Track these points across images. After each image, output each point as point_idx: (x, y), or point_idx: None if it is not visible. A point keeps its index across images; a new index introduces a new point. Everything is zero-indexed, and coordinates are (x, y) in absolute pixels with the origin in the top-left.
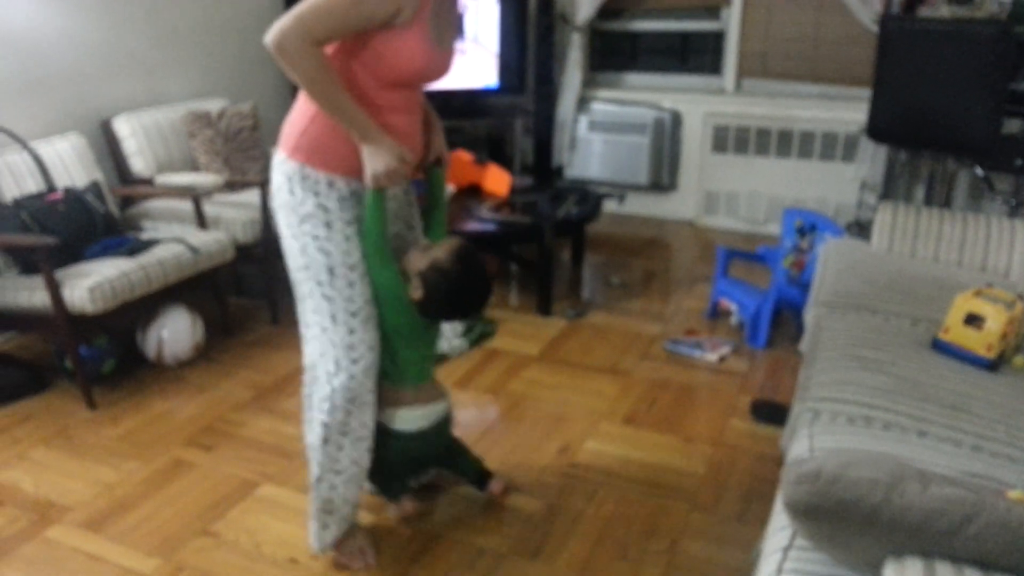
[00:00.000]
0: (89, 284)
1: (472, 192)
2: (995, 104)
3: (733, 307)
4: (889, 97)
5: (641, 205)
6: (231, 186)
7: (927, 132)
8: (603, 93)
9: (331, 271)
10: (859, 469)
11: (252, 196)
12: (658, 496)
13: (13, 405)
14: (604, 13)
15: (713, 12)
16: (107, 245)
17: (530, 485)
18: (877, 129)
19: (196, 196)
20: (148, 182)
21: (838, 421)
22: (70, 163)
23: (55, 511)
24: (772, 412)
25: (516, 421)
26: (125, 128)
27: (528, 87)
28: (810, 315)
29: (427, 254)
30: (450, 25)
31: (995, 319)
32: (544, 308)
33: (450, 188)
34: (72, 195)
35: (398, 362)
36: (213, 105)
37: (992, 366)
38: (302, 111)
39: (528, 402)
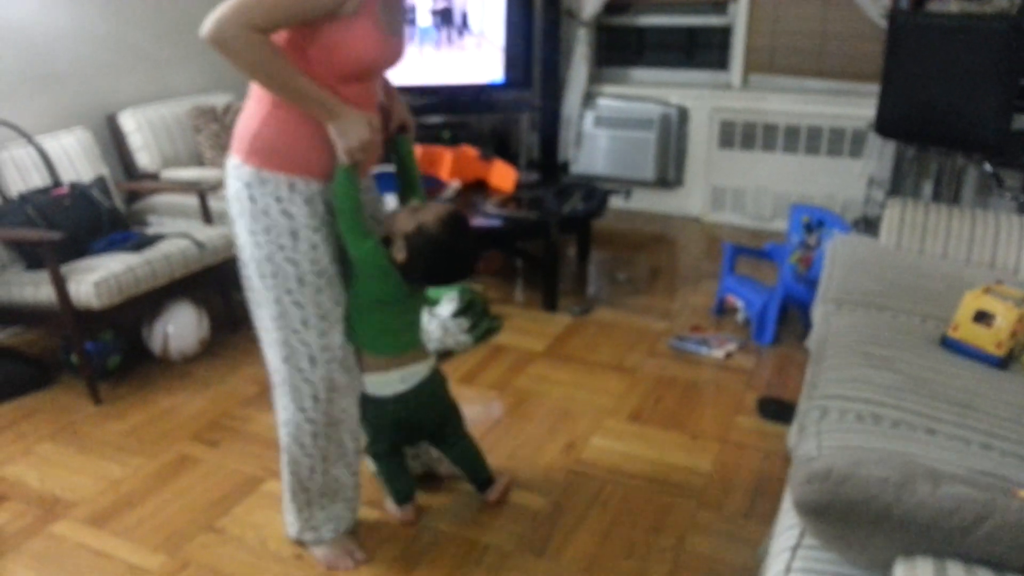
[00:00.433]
0: (95, 279)
1: (478, 187)
2: (1005, 100)
3: (740, 304)
4: (897, 92)
5: (647, 201)
6: None
7: (936, 128)
8: (609, 88)
9: (300, 280)
10: (869, 468)
11: None
12: (664, 493)
13: (19, 400)
14: (610, 8)
15: (720, 7)
16: (113, 240)
17: (536, 482)
18: (885, 125)
19: (202, 191)
20: (154, 177)
21: (846, 419)
22: (76, 158)
23: (60, 506)
24: (779, 409)
25: (521, 418)
26: (131, 123)
27: (534, 82)
28: (817, 312)
29: (414, 216)
30: (399, 11)
31: (1005, 316)
32: (550, 304)
33: (455, 183)
34: (78, 190)
35: (379, 333)
36: (219, 100)
37: (1002, 364)
38: (252, 113)
39: (533, 398)
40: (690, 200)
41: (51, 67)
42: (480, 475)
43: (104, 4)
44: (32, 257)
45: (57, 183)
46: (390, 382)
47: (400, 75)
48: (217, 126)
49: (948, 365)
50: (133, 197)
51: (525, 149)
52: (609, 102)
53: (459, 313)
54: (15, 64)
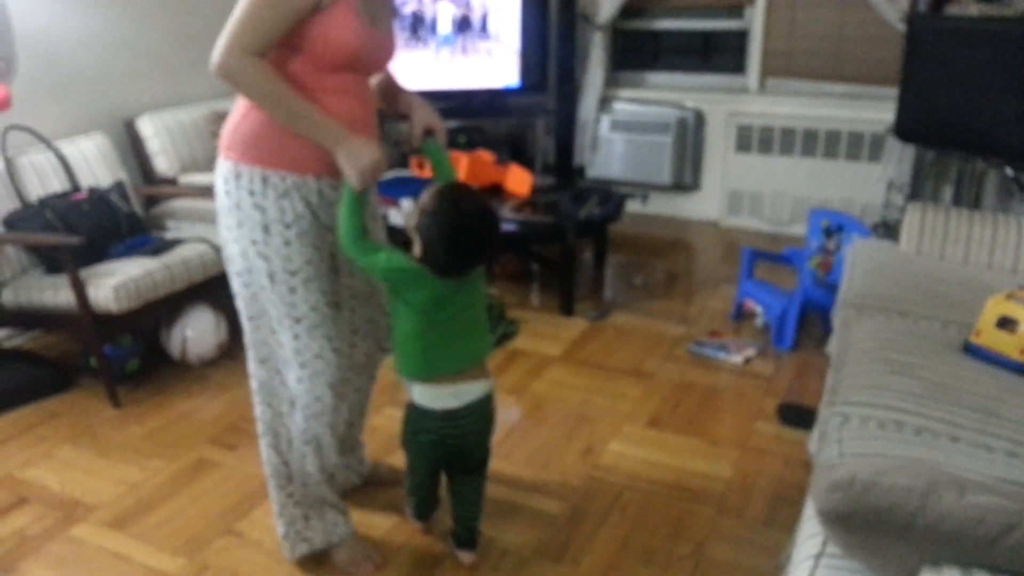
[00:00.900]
0: (114, 283)
1: (493, 192)
2: None
3: (758, 309)
4: (917, 96)
5: (664, 205)
6: None
7: (955, 132)
8: (625, 92)
9: (271, 277)
10: (893, 476)
11: None
12: (683, 500)
13: (39, 403)
14: (626, 12)
15: (736, 11)
16: (131, 244)
17: (553, 487)
18: (904, 129)
19: None
20: (172, 182)
21: (868, 425)
22: (94, 163)
23: (80, 509)
24: (799, 415)
25: (539, 422)
26: (148, 128)
27: (550, 86)
28: (837, 317)
29: (417, 205)
30: (384, 7)
31: None
32: (566, 309)
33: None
34: (96, 194)
35: (435, 354)
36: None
37: None
38: (236, 109)
39: (551, 403)
40: (707, 204)
41: (70, 74)
42: (472, 524)
43: (122, 12)
44: (52, 261)
45: (76, 188)
46: (441, 395)
47: (416, 80)
48: None
49: (971, 371)
50: (151, 202)
51: (541, 153)
52: (625, 106)
53: None
54: (34, 71)
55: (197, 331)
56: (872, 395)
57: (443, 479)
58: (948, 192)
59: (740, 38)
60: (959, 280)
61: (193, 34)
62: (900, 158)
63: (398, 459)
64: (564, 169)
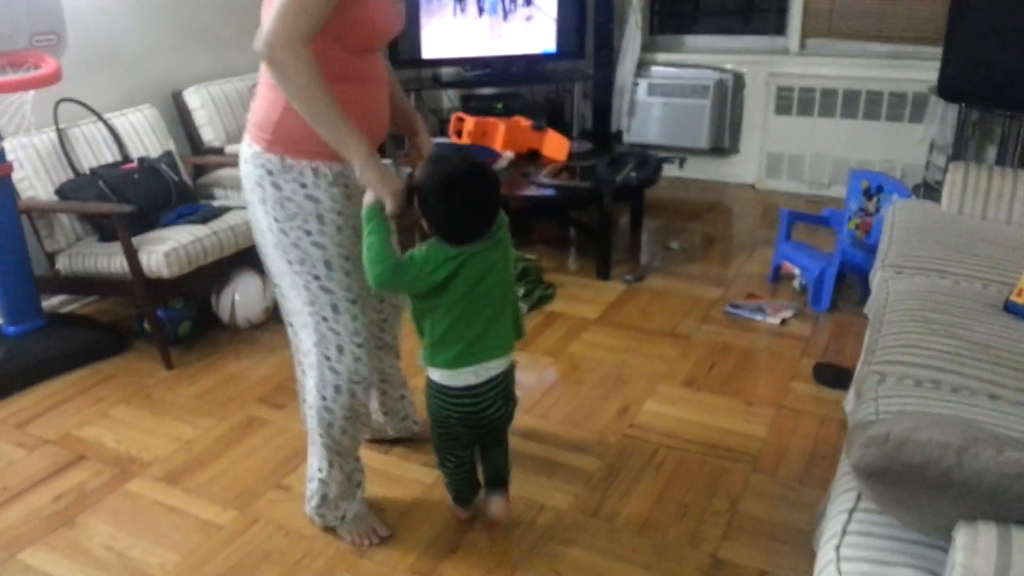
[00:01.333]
0: (165, 250)
1: (531, 158)
2: None
3: (796, 271)
4: (962, 54)
5: (701, 169)
6: None
7: (1001, 89)
8: (663, 56)
9: (328, 264)
10: (929, 432)
11: None
12: (719, 457)
13: (95, 366)
14: None
15: None
16: (181, 212)
17: (590, 445)
18: (948, 87)
19: None
20: (219, 151)
21: (905, 384)
22: (143, 133)
23: (136, 466)
24: (835, 375)
25: (576, 383)
26: (195, 100)
27: (587, 52)
28: (876, 277)
29: (413, 184)
30: None
31: None
32: (603, 273)
33: (509, 154)
34: (147, 164)
35: (469, 339)
36: None
37: None
38: (271, 102)
39: (587, 364)
40: (745, 168)
41: (119, 47)
42: (500, 473)
43: None
44: (105, 229)
45: (127, 158)
46: (461, 375)
47: (454, 47)
48: None
49: (1011, 331)
50: (199, 171)
51: (578, 119)
52: (663, 70)
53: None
54: (84, 45)
55: (245, 295)
56: (909, 354)
57: None
58: (992, 152)
59: None
60: (1001, 240)
61: (238, 7)
62: (943, 118)
63: None
64: (601, 134)
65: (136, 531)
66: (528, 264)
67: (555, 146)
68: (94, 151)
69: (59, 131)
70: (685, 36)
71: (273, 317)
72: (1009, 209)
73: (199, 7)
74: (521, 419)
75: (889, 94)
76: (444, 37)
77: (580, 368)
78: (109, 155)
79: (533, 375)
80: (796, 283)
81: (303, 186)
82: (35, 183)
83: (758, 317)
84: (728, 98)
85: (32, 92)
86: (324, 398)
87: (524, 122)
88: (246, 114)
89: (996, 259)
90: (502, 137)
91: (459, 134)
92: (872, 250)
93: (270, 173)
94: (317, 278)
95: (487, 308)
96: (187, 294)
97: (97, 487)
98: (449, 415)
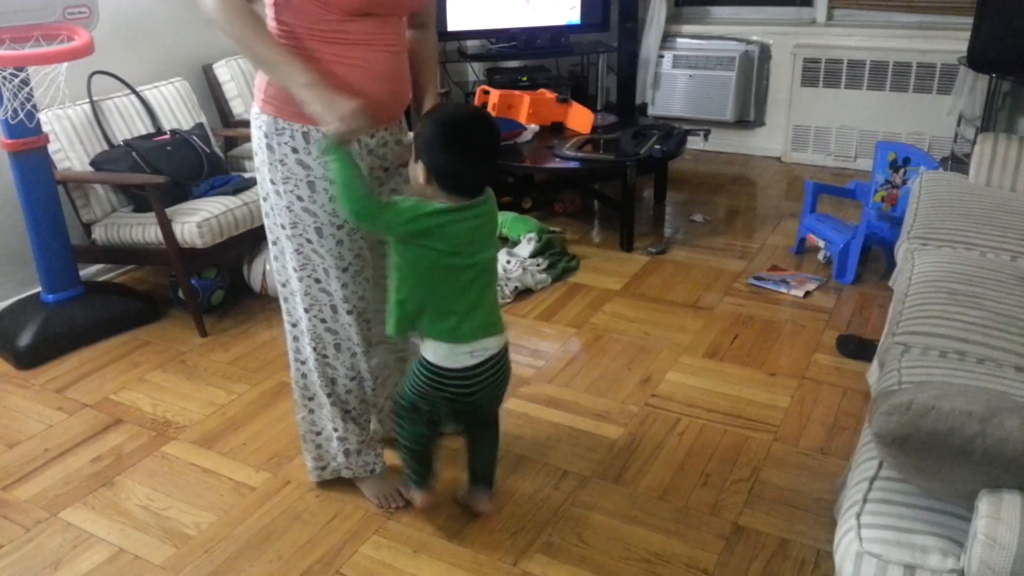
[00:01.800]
0: (198, 220)
1: (555, 130)
2: None
3: (820, 243)
4: (993, 23)
5: (727, 142)
6: None
7: None
8: (688, 28)
9: (319, 231)
10: (953, 400)
11: None
12: (740, 427)
13: (132, 333)
14: None
15: None
16: (212, 184)
17: (613, 414)
18: (978, 58)
19: None
20: (248, 124)
21: (929, 355)
22: (175, 106)
23: (172, 429)
24: (859, 347)
25: (599, 353)
26: (225, 73)
27: (612, 23)
28: (901, 249)
29: (409, 147)
30: None
31: None
32: (626, 245)
33: (533, 126)
34: (179, 136)
35: (458, 314)
36: None
37: None
38: None
39: (610, 335)
40: (771, 140)
41: (149, 22)
42: (487, 471)
43: None
44: (139, 200)
45: (159, 130)
46: (458, 355)
47: (479, 19)
48: None
49: None
50: (230, 143)
51: (603, 91)
52: (688, 41)
53: (537, 253)
54: (116, 19)
55: None
56: (935, 325)
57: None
58: (1022, 125)
59: None
60: None
61: None
62: (972, 89)
63: None
64: (626, 107)
65: (172, 492)
66: (552, 236)
67: (579, 119)
68: (127, 123)
69: (93, 103)
70: (710, 7)
71: None
72: None
73: None
74: (544, 388)
75: (917, 65)
76: (469, 9)
77: (603, 339)
78: (142, 127)
79: (557, 345)
80: (821, 255)
81: (294, 151)
82: (70, 154)
83: (782, 289)
84: (754, 70)
85: (66, 65)
86: (324, 356)
87: (549, 94)
88: None
89: None
90: (527, 110)
91: (484, 107)
92: (898, 222)
93: (266, 135)
94: (309, 242)
95: (477, 280)
96: (219, 264)
97: (134, 449)
98: (440, 394)
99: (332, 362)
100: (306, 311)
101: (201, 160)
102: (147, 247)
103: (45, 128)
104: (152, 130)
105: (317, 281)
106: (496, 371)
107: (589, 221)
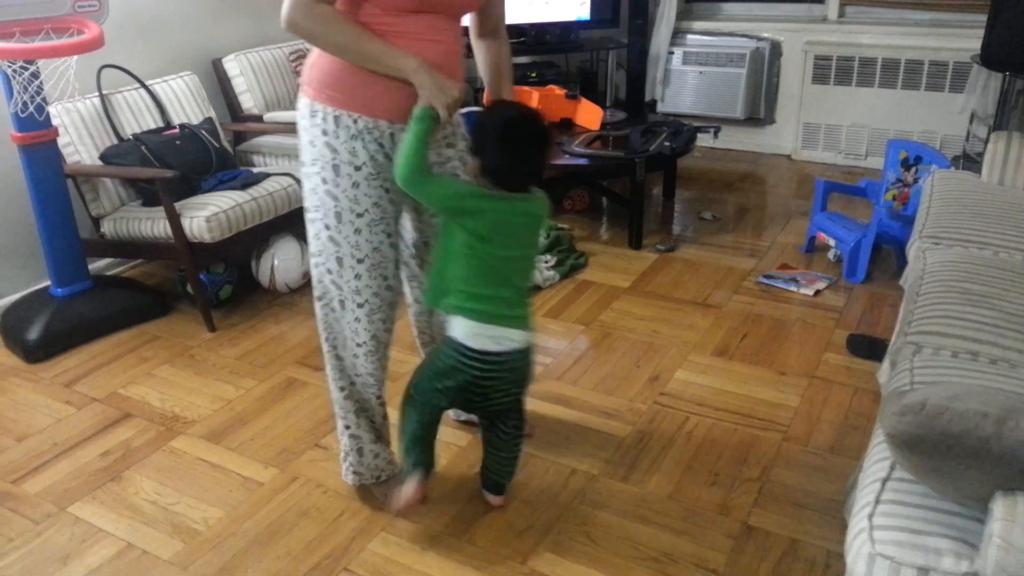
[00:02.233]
0: (206, 214)
1: (564, 126)
2: None
3: (831, 241)
4: (1008, 20)
5: (736, 139)
6: None
7: None
8: (699, 24)
9: (338, 216)
10: (967, 401)
11: None
12: (749, 426)
13: (140, 327)
14: None
15: None
16: (221, 178)
17: (621, 412)
18: (992, 56)
19: None
20: (257, 118)
21: (941, 355)
22: (185, 100)
23: (180, 423)
24: (869, 347)
25: (607, 350)
26: (235, 67)
27: (621, 20)
28: (913, 248)
29: (470, 131)
30: None
31: None
32: (635, 242)
33: None
34: (188, 130)
35: (483, 293)
36: None
37: None
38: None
39: (619, 332)
40: (781, 138)
41: (159, 15)
42: (502, 478)
43: None
44: (148, 194)
45: (168, 124)
46: (481, 336)
47: None
48: None
49: None
50: (239, 138)
51: (612, 88)
52: (698, 38)
53: (546, 249)
54: (126, 13)
55: (284, 260)
56: (947, 325)
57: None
58: None
59: None
60: None
61: None
62: (985, 87)
63: None
64: (635, 103)
65: (180, 487)
66: (561, 233)
67: (589, 115)
68: (136, 117)
69: (102, 97)
70: (721, 3)
71: (311, 282)
72: None
73: None
74: (552, 385)
75: (929, 63)
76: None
77: (611, 336)
78: (151, 121)
79: (565, 342)
80: (831, 254)
81: (324, 133)
82: (79, 148)
83: (792, 288)
84: (764, 67)
85: (75, 58)
86: (334, 347)
87: (558, 91)
88: (284, 81)
89: None
90: (536, 106)
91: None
92: (909, 221)
93: (303, 116)
94: (327, 227)
95: (508, 273)
96: (228, 259)
97: (143, 444)
98: (459, 374)
99: (341, 353)
100: (318, 299)
101: (210, 154)
102: (156, 241)
103: (55, 121)
104: (161, 124)
105: (329, 272)
106: (516, 366)
107: (598, 218)
